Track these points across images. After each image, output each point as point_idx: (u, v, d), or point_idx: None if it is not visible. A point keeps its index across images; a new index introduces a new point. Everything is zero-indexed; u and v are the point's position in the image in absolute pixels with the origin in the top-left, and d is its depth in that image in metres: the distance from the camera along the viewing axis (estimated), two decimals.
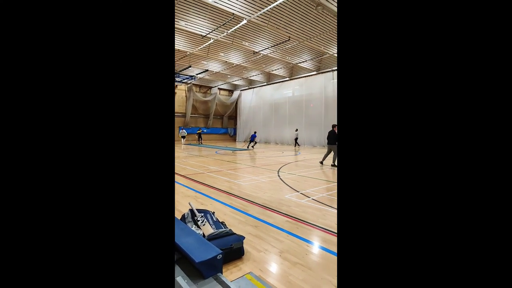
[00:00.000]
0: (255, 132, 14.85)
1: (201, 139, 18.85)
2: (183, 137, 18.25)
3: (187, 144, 17.88)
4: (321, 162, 7.65)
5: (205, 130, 19.48)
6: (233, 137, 24.48)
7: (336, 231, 2.58)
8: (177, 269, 1.56)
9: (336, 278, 1.75)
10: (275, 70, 16.44)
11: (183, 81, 19.55)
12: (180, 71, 16.60)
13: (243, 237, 2.16)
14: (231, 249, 1.92)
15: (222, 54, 13.91)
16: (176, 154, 10.22)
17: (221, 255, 1.55)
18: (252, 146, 14.59)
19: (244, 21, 9.43)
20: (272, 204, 3.53)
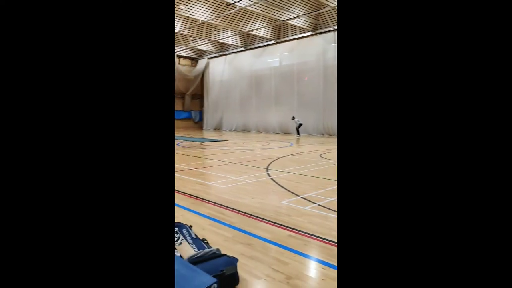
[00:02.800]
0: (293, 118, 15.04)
1: None
2: None
3: None
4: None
5: None
6: (198, 124, 24.16)
7: None
8: None
9: None
10: (256, 29, 16.29)
11: None
12: None
13: (236, 259, 2.14)
14: (222, 275, 1.90)
15: (182, 7, 13.47)
16: None
17: (216, 285, 1.53)
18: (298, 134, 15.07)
19: None
20: (266, 213, 3.55)
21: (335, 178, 5.53)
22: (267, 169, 6.48)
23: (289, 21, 14.90)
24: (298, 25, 15.45)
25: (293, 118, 15.80)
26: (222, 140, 13.71)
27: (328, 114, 15.72)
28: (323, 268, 2.29)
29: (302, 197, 4.23)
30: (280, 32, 17.66)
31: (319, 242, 2.75)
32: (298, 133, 15.57)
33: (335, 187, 4.84)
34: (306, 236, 2.89)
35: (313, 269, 2.27)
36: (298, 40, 16.92)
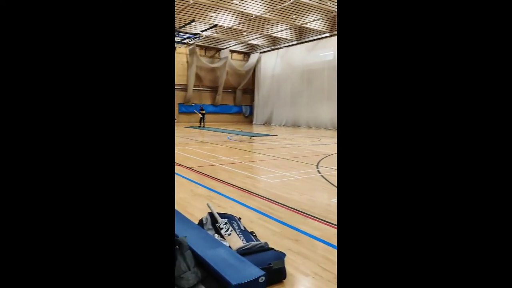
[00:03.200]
0: None
1: (204, 121, 18.96)
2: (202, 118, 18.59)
3: (189, 127, 18.20)
4: None
5: (204, 111, 19.35)
6: (248, 118, 24.52)
7: None
8: None
9: None
10: (310, 22, 15.94)
11: (184, 41, 19.53)
12: (180, 27, 16.61)
13: (284, 254, 2.14)
14: (269, 269, 1.92)
15: (236, 2, 13.69)
16: (176, 140, 10.47)
17: (264, 277, 1.55)
18: None
19: None
20: (315, 210, 3.50)
21: None
22: (317, 165, 6.37)
23: None
24: None
25: None
26: (271, 135, 13.76)
27: None
28: None
29: None
30: (335, 24, 17.08)
31: None
32: None
33: None
34: None
35: None
36: None
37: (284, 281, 2.01)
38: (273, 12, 14.61)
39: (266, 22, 16.64)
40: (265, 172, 5.81)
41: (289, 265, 2.19)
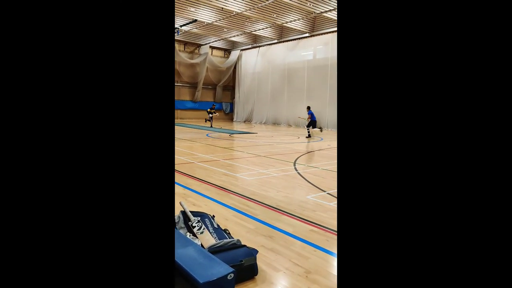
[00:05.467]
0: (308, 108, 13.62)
1: (212, 119, 16.62)
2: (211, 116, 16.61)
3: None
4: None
5: (213, 110, 17.22)
6: (228, 115, 24.42)
7: None
8: None
9: None
10: (291, 22, 16.06)
11: None
12: None
13: (256, 251, 2.16)
14: (241, 266, 1.93)
15: None
16: None
17: (232, 274, 1.56)
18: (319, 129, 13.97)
19: None
20: (290, 207, 3.54)
21: None
22: (294, 163, 6.44)
23: (324, 14, 14.53)
24: (334, 18, 15.02)
25: (308, 108, 15.83)
26: (251, 133, 13.78)
27: None
28: None
29: (328, 193, 4.17)
30: (315, 25, 17.29)
31: None
32: (314, 126, 15.58)
33: None
34: (329, 232, 2.85)
35: (333, 265, 2.23)
36: (333, 33, 16.46)
37: (255, 277, 2.02)
38: (254, 10, 14.58)
39: (247, 20, 16.60)
40: (243, 169, 5.82)
41: (262, 262, 2.21)
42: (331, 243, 2.62)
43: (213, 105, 17.99)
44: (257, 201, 3.75)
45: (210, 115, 16.51)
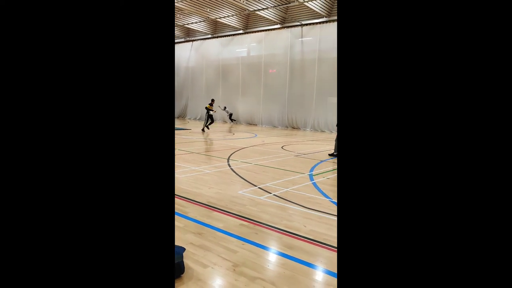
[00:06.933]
0: (212, 102, 13.11)
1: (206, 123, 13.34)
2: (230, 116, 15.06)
3: None
4: (335, 154, 7.39)
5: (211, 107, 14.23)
6: None
7: (303, 236, 2.76)
8: None
9: None
10: (225, 17, 16.01)
11: None
12: None
13: (183, 249, 2.14)
14: None
15: None
16: None
17: None
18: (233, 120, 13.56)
19: None
20: (221, 203, 3.56)
21: (293, 169, 5.66)
22: (228, 159, 6.48)
23: (258, 12, 14.79)
24: (267, 16, 15.40)
25: (225, 108, 16.34)
26: (185, 129, 13.45)
27: (293, 108, 16.01)
28: (268, 256, 2.35)
29: (259, 187, 4.29)
30: (249, 22, 17.50)
31: (269, 230, 2.82)
32: (231, 121, 16.15)
33: (292, 177, 4.96)
34: (257, 225, 2.94)
35: (259, 256, 2.32)
36: (267, 32, 16.88)
37: (182, 275, 2.00)
38: (186, 2, 14.18)
39: (179, 12, 16.08)
40: (175, 167, 5.65)
41: (189, 259, 2.19)
42: (259, 236, 2.71)
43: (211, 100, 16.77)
44: (189, 199, 3.69)
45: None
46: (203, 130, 12.76)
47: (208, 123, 12.91)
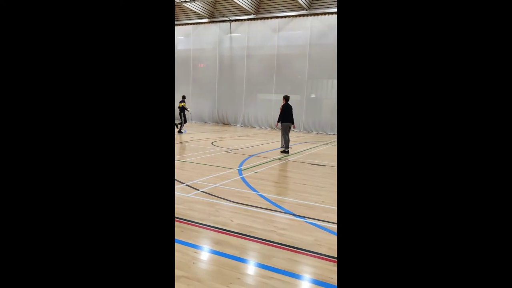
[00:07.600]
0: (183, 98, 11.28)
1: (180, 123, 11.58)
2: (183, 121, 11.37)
3: None
4: (286, 151, 7.38)
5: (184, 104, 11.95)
6: None
7: (230, 230, 2.79)
8: None
9: (230, 286, 1.90)
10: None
11: None
12: None
13: None
14: None
15: None
16: None
17: None
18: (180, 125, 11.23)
19: None
20: None
21: (223, 165, 5.66)
22: None
23: (185, 4, 14.35)
24: (195, 10, 15.05)
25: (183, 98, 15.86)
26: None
27: (223, 104, 16.01)
28: (195, 252, 2.32)
29: (186, 185, 4.19)
30: (176, 15, 16.89)
31: (196, 227, 2.77)
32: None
33: (221, 173, 4.96)
34: (183, 222, 2.87)
35: (185, 254, 2.27)
36: (195, 25, 16.51)
37: None
38: None
39: None
40: None
41: None
42: (185, 234, 2.65)
43: (183, 98, 14.75)
44: None
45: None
46: (180, 131, 11.07)
47: (179, 123, 11.13)
